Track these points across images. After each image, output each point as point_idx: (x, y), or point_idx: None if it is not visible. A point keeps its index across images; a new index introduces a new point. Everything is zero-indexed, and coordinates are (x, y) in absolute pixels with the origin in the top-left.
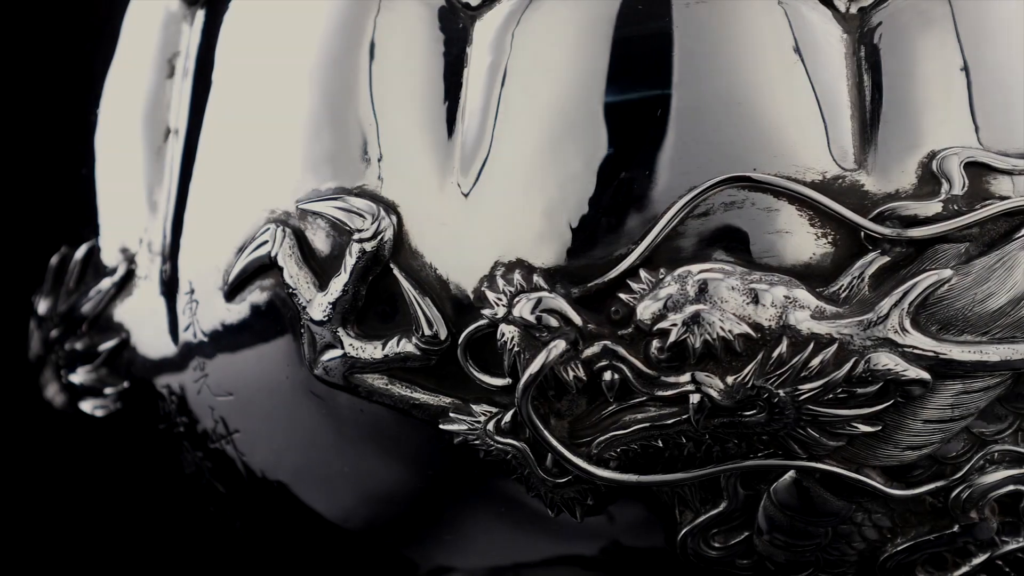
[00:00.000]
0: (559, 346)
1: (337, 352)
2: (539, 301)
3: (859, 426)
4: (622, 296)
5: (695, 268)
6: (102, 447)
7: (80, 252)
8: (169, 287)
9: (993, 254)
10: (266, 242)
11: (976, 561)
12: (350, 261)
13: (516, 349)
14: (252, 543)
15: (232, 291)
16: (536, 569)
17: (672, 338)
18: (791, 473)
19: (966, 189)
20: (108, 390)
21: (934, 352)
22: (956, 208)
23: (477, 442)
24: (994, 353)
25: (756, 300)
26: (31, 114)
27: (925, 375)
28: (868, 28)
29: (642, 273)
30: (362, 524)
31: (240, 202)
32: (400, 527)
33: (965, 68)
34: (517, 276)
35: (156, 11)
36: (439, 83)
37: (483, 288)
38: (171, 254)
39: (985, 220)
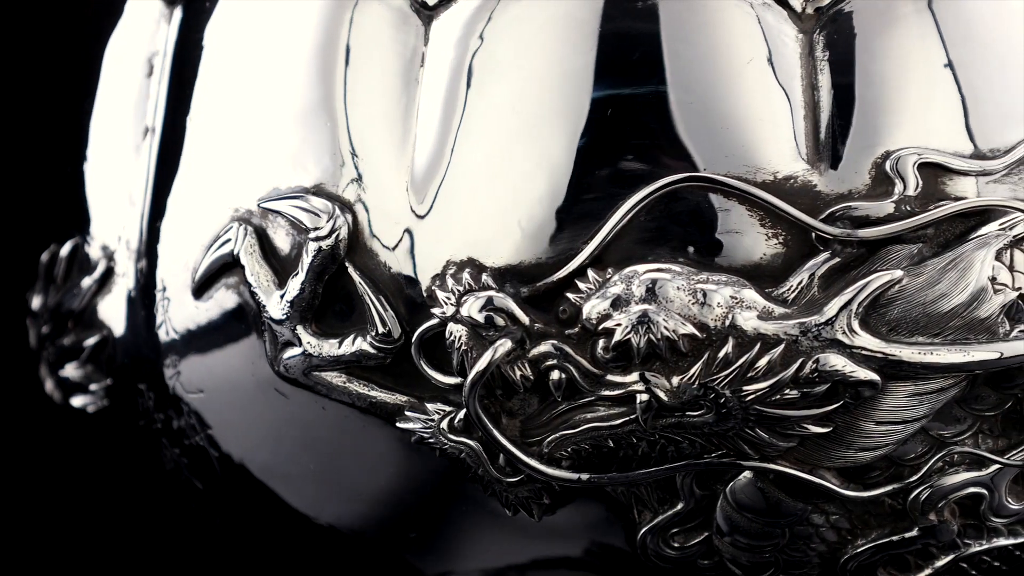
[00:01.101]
0: (505, 345)
1: (296, 350)
2: (486, 300)
3: (809, 427)
4: (570, 296)
5: (641, 268)
6: (94, 442)
7: (66, 249)
8: (145, 285)
9: (946, 255)
10: (229, 240)
11: (939, 563)
12: (306, 260)
13: (464, 348)
14: (233, 539)
15: (199, 289)
16: (526, 571)
17: (617, 337)
18: (746, 474)
19: (920, 190)
20: (93, 386)
21: (883, 353)
22: (909, 209)
23: (432, 440)
24: (946, 355)
25: (702, 300)
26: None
27: (874, 376)
28: (824, 28)
29: (590, 273)
30: (333, 521)
31: (208, 200)
32: (372, 526)
33: (921, 69)
34: (466, 275)
35: (141, 9)
36: (396, 83)
37: (434, 287)
38: (147, 252)
39: (939, 221)
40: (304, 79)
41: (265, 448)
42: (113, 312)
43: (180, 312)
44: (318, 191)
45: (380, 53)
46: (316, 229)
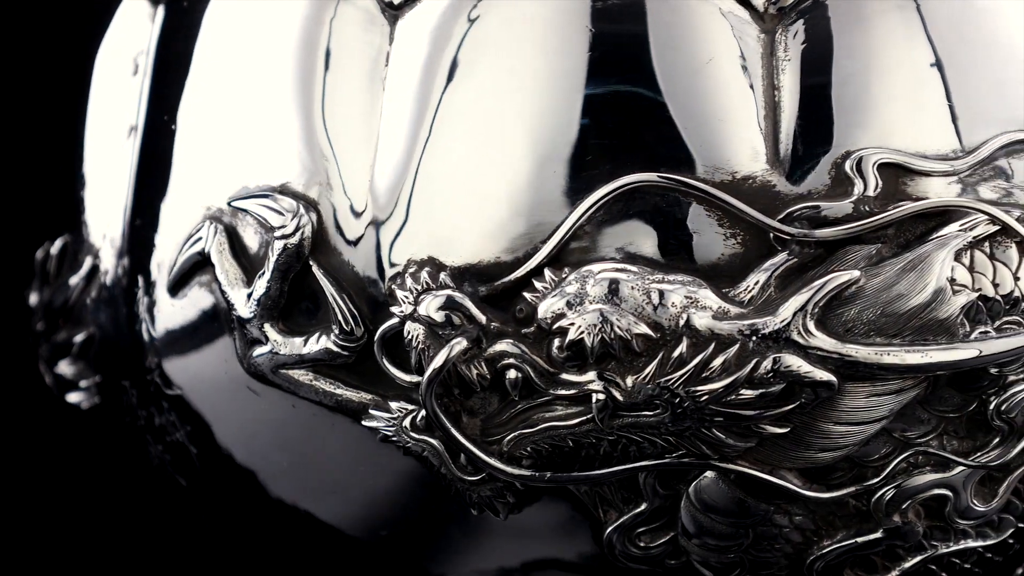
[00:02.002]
0: (461, 343)
1: (264, 348)
2: (442, 299)
3: (766, 427)
4: (526, 295)
5: (597, 268)
6: (89, 439)
7: (56, 246)
8: (127, 282)
9: (904, 256)
10: (200, 239)
11: (906, 565)
12: (272, 258)
13: (421, 346)
14: (219, 535)
15: (173, 287)
16: (514, 574)
17: (570, 336)
18: (709, 474)
19: (879, 190)
20: (83, 383)
21: (839, 354)
22: (867, 209)
23: (395, 439)
24: (903, 356)
25: (657, 300)
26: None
27: (829, 377)
28: (787, 28)
29: (547, 272)
30: (311, 520)
31: (183, 199)
32: (348, 524)
33: (883, 69)
34: (424, 274)
35: (130, 9)
36: (362, 83)
37: (394, 286)
38: (128, 249)
39: (899, 222)
40: (276, 79)
41: (240, 445)
42: (98, 309)
43: (157, 310)
44: (284, 190)
45: (347, 53)
46: (281, 228)
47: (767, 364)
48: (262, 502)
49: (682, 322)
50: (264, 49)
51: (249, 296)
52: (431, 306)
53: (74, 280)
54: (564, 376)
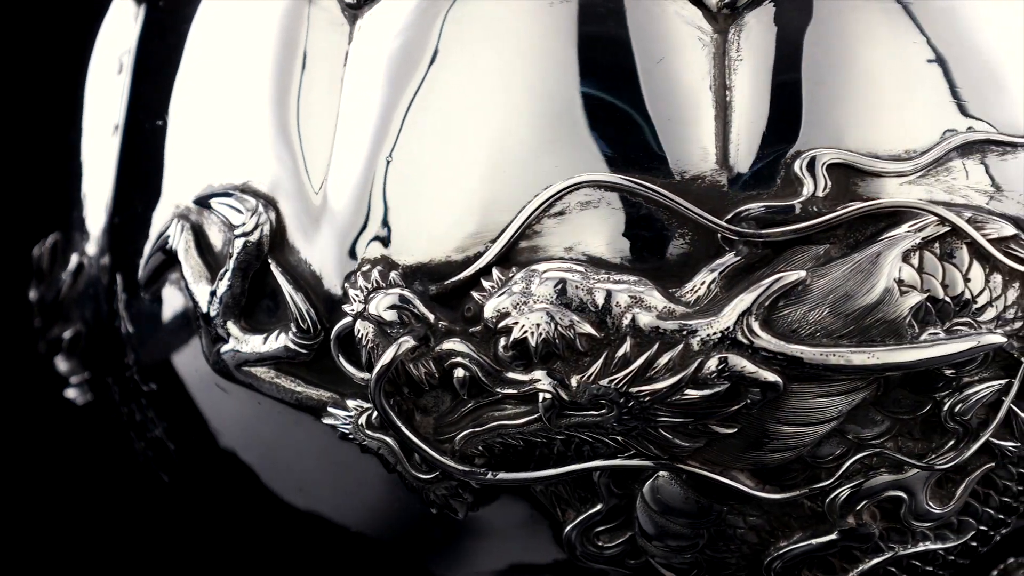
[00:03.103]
0: (408, 342)
1: (227, 345)
2: (391, 298)
3: (713, 428)
4: (475, 294)
5: (542, 267)
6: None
7: (48, 243)
8: (108, 280)
9: (852, 256)
10: (168, 236)
11: (864, 567)
12: (232, 256)
13: (371, 345)
14: (204, 531)
15: (146, 285)
16: None
17: (514, 335)
18: (661, 474)
19: (829, 190)
20: (74, 379)
21: (784, 355)
22: (815, 209)
23: (352, 437)
24: (850, 357)
25: (601, 300)
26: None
27: (774, 377)
28: (739, 28)
29: (495, 272)
30: (286, 517)
31: (157, 197)
32: (321, 523)
33: (835, 68)
34: (375, 273)
35: (119, 8)
36: (322, 82)
37: (347, 284)
38: (109, 247)
39: (849, 223)
40: (245, 79)
41: (213, 442)
42: (83, 306)
43: (133, 307)
44: (245, 188)
45: (313, 54)
46: (241, 226)
47: (711, 364)
48: (241, 499)
49: (626, 322)
50: (235, 49)
51: (212, 294)
52: (380, 305)
53: (63, 277)
54: (510, 375)
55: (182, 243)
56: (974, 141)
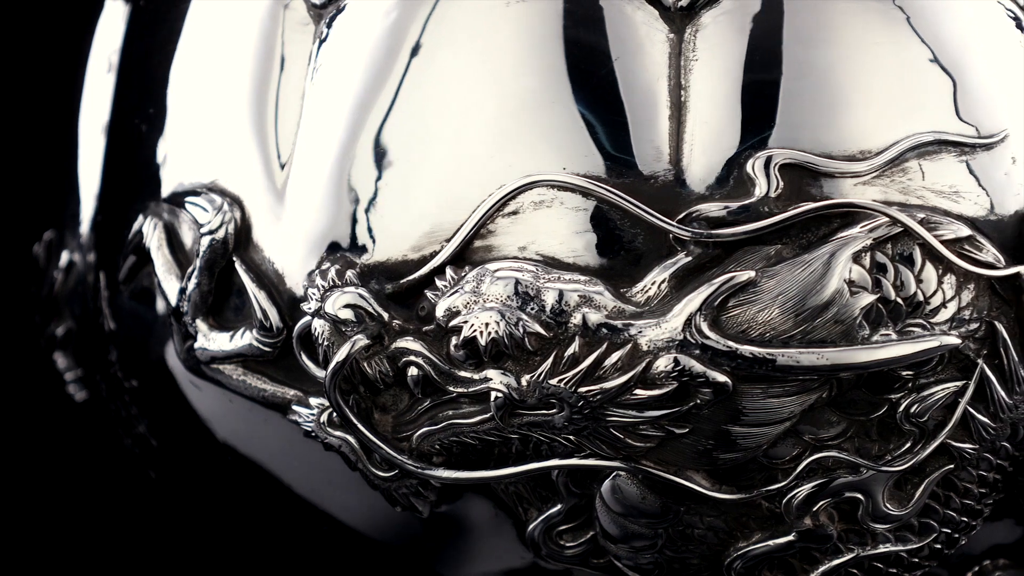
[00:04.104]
0: (361, 340)
1: (196, 343)
2: (347, 296)
3: (664, 428)
4: (428, 293)
5: (493, 266)
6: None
7: (44, 240)
8: (92, 277)
9: (802, 257)
10: (142, 234)
11: (824, 568)
12: (199, 254)
13: (326, 343)
14: (192, 526)
15: (124, 282)
16: None
17: (464, 334)
18: (620, 473)
19: (781, 191)
20: (69, 375)
21: (733, 355)
22: (767, 210)
23: (315, 434)
24: (799, 357)
25: (552, 299)
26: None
27: (723, 378)
28: (695, 28)
29: (448, 270)
30: (265, 515)
31: (136, 195)
32: (296, 521)
33: (792, 69)
34: (333, 272)
35: (112, 7)
36: (293, 83)
37: (306, 283)
38: (94, 244)
39: (801, 223)
40: (221, 78)
41: (191, 438)
42: (73, 303)
43: (114, 304)
44: (213, 187)
45: (286, 55)
46: (207, 224)
47: (660, 364)
48: (223, 496)
49: (576, 321)
50: (216, 50)
51: (181, 291)
52: (336, 303)
53: (56, 274)
54: (462, 374)
55: (154, 241)
56: (931, 142)
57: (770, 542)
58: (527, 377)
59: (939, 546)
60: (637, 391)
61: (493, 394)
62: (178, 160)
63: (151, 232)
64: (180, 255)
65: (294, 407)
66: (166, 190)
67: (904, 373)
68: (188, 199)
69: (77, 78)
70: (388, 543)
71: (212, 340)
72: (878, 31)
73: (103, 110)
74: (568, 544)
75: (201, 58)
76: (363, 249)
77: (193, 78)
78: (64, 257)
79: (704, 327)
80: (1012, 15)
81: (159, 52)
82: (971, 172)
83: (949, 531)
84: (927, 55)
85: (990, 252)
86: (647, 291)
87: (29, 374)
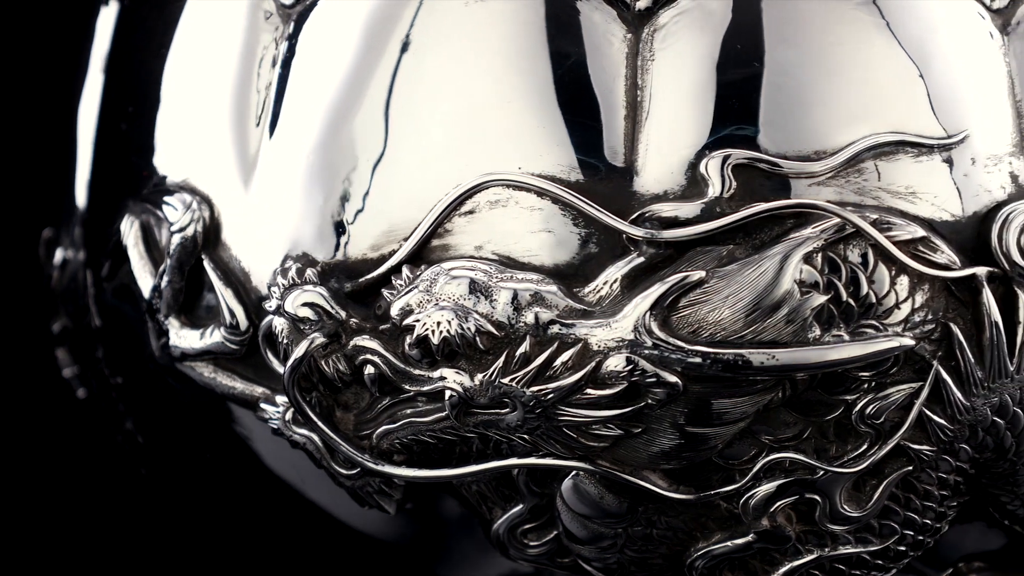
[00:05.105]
0: (317, 338)
1: (169, 340)
2: (306, 295)
3: (615, 428)
4: (385, 292)
5: (448, 265)
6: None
7: (44, 238)
8: (82, 275)
9: (752, 258)
10: (120, 232)
11: (784, 569)
12: (169, 252)
13: (286, 341)
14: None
15: (106, 279)
16: None
17: (416, 333)
18: (575, 473)
19: (734, 191)
20: (66, 371)
21: (682, 355)
22: (719, 211)
23: (281, 432)
24: (749, 357)
25: (504, 298)
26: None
27: (673, 378)
28: (653, 28)
29: (404, 269)
30: (248, 512)
31: (119, 193)
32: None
33: (748, 69)
34: (293, 270)
35: (109, 8)
36: (250, 79)
37: (269, 281)
38: (83, 242)
39: (753, 224)
40: (191, 78)
41: (170, 437)
42: (68, 301)
43: (100, 301)
44: (184, 185)
45: (252, 54)
46: (177, 222)
47: (610, 364)
48: (206, 491)
49: (527, 321)
50: (188, 48)
51: (154, 289)
52: (295, 301)
53: (53, 272)
54: (417, 372)
55: (131, 239)
56: (889, 143)
57: (729, 542)
58: (480, 376)
59: (903, 548)
60: (588, 390)
61: (447, 393)
62: (155, 159)
63: (128, 230)
64: (155, 253)
65: (262, 405)
66: (143, 189)
67: (862, 375)
68: (164, 198)
69: (77, 77)
70: (381, 540)
71: (183, 338)
72: (840, 31)
73: (94, 109)
74: (532, 543)
75: (177, 58)
76: (325, 248)
77: (169, 78)
78: (58, 255)
79: (654, 327)
80: (979, 16)
81: (140, 52)
82: (929, 173)
83: (912, 533)
84: (890, 55)
85: (945, 253)
86: (599, 291)
87: (43, 371)
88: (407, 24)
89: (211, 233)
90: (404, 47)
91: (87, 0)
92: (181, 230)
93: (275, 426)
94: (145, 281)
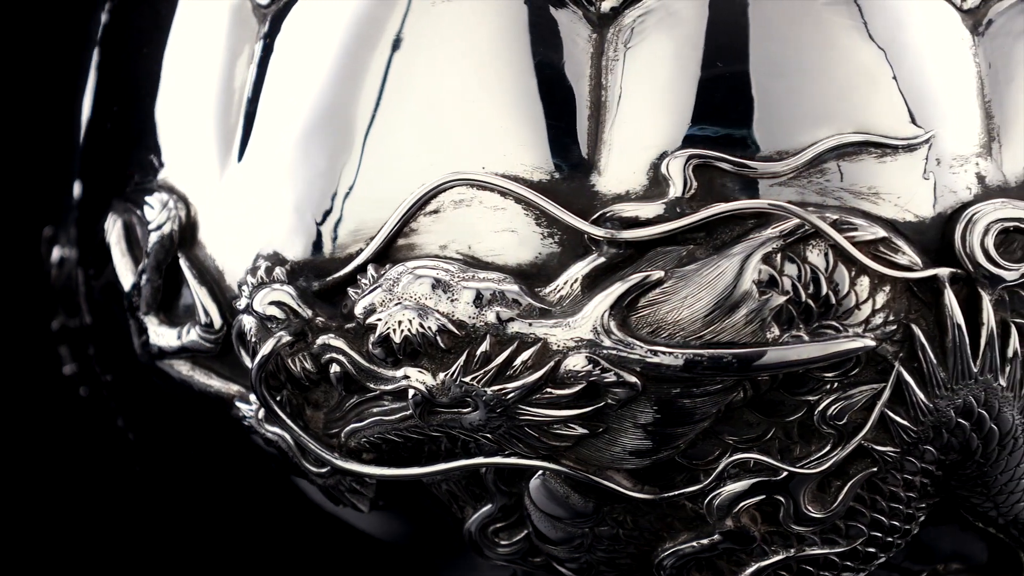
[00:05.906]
0: (283, 337)
1: (147, 338)
2: (274, 293)
3: (576, 428)
4: (351, 291)
5: (412, 264)
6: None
7: (44, 236)
8: (75, 273)
9: (711, 258)
10: (103, 230)
11: (750, 570)
12: (147, 251)
13: (254, 340)
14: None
15: (94, 277)
16: None
17: (378, 332)
18: (543, 472)
19: (695, 191)
20: (65, 369)
21: (640, 355)
22: (680, 211)
23: (253, 430)
24: (707, 357)
25: (465, 298)
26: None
27: (631, 377)
28: (617, 28)
29: (369, 269)
30: (237, 511)
31: (107, 192)
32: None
33: (714, 69)
34: (262, 269)
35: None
36: (226, 78)
37: (239, 280)
38: (76, 241)
39: (713, 224)
40: (171, 77)
41: (158, 435)
42: (64, 299)
43: (89, 299)
44: (163, 184)
45: (230, 54)
46: (154, 220)
47: (569, 364)
48: (196, 488)
49: (488, 320)
50: (170, 48)
51: (134, 287)
52: (263, 300)
53: (52, 270)
54: (381, 371)
55: (114, 237)
56: (852, 143)
57: (696, 543)
58: (442, 375)
59: (872, 549)
60: (549, 390)
61: (410, 391)
62: (137, 158)
63: (111, 228)
64: (136, 251)
65: (236, 403)
66: (126, 188)
67: (825, 375)
68: (144, 197)
69: (78, 77)
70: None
71: (161, 336)
72: (807, 32)
73: (87, 108)
74: (504, 543)
75: (160, 58)
76: (294, 247)
77: (151, 77)
78: (56, 253)
79: (613, 327)
80: (949, 16)
81: (124, 51)
82: (893, 174)
83: (880, 535)
84: (858, 56)
85: (907, 255)
86: (560, 290)
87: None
88: (381, 26)
89: (187, 232)
90: (375, 48)
91: (87, 0)
92: (158, 228)
93: (248, 424)
94: (126, 279)
